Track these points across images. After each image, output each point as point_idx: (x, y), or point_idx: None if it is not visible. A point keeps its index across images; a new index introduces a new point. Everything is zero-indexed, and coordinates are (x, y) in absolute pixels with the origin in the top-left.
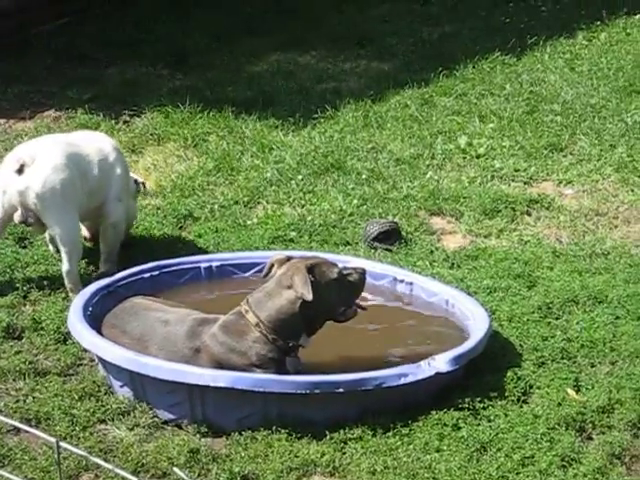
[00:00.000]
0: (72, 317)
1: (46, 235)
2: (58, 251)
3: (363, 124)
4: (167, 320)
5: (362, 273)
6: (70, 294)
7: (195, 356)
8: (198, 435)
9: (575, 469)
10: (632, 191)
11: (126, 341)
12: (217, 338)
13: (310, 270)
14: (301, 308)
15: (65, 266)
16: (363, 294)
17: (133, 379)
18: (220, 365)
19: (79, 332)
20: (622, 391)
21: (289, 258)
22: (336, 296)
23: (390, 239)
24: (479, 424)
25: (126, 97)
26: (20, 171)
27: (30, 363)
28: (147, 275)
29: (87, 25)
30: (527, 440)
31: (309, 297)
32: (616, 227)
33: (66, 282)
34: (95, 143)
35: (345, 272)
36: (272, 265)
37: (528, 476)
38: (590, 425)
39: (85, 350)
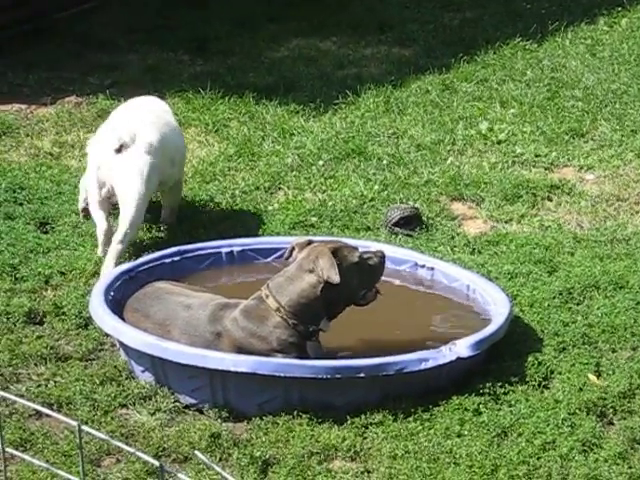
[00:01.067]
0: (94, 302)
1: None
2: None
3: (384, 110)
4: (189, 305)
5: (382, 257)
6: (106, 267)
7: (217, 340)
8: (219, 420)
9: (596, 454)
10: None
11: (149, 325)
12: (238, 323)
13: (334, 253)
14: (323, 292)
15: (119, 236)
16: (388, 279)
17: (154, 364)
18: (241, 350)
19: (100, 317)
20: None
21: (310, 242)
22: (358, 279)
23: (411, 224)
24: (500, 409)
25: (147, 83)
26: (119, 151)
27: (52, 348)
28: (168, 260)
29: (107, 11)
30: (548, 425)
31: (337, 279)
32: (637, 213)
33: (111, 252)
34: (171, 114)
35: (365, 256)
36: (293, 249)
37: (549, 461)
38: (611, 410)
39: (106, 335)
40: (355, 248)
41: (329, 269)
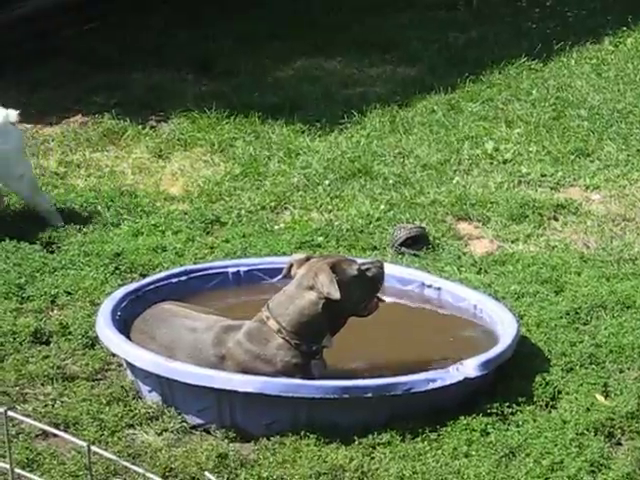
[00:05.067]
0: (100, 322)
1: None
2: None
3: (390, 129)
4: (195, 327)
5: (380, 267)
6: None
7: (221, 364)
8: (226, 440)
9: (604, 474)
10: None
11: (155, 347)
12: (242, 345)
13: (332, 268)
14: (324, 308)
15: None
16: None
17: (161, 384)
18: (246, 372)
19: (107, 337)
20: None
21: (308, 258)
22: (358, 292)
23: (417, 244)
24: (507, 429)
25: (152, 102)
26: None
27: (58, 368)
28: (175, 280)
29: (111, 31)
30: (556, 445)
31: (337, 295)
32: None
33: None
34: None
35: (364, 267)
36: (291, 266)
37: None
38: (619, 430)
39: (113, 355)
40: (354, 261)
41: (329, 285)
